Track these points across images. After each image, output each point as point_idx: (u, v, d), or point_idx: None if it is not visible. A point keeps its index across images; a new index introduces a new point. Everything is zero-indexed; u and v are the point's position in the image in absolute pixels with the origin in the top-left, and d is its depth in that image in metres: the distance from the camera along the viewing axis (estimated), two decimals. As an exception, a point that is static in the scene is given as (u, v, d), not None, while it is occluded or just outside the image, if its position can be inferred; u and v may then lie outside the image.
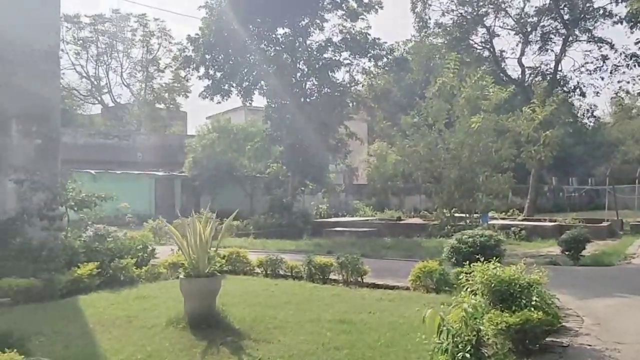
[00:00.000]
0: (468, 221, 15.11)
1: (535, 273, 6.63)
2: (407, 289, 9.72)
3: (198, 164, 27.33)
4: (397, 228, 22.13)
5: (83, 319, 7.31)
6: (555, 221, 23.13)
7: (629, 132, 57.85)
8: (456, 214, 15.64)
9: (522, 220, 24.36)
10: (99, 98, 46.29)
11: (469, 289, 6.49)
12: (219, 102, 23.23)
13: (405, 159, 14.22)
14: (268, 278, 11.09)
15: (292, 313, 7.62)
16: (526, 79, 33.54)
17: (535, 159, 14.40)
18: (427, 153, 13.92)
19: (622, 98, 34.73)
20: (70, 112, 46.46)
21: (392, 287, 10.05)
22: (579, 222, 22.34)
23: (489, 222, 21.73)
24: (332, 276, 10.69)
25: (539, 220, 24.37)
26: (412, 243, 17.42)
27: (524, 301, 6.08)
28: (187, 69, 23.28)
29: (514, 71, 34.17)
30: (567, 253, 13.40)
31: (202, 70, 22.39)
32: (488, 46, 33.77)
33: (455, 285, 8.34)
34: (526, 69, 33.47)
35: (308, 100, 22.91)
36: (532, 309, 5.95)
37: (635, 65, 31.07)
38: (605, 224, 21.73)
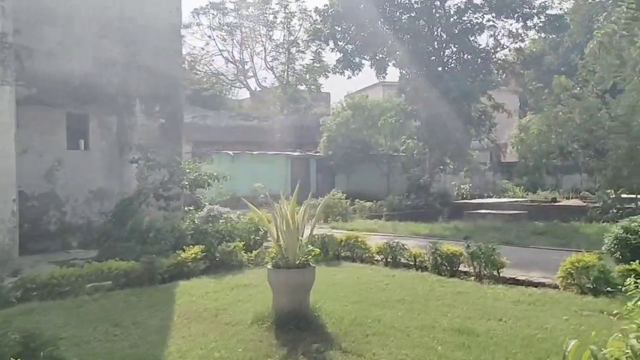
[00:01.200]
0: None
1: None
2: (556, 287, 7.86)
3: (332, 143, 26.66)
4: (552, 211, 19.53)
5: (170, 309, 6.69)
6: None
7: None
8: (624, 195, 12.89)
9: None
10: (245, 82, 47.91)
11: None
12: (350, 77, 22.17)
13: (557, 129, 11.84)
14: (387, 267, 9.81)
15: (402, 315, 6.29)
16: None
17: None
18: (585, 121, 11.45)
19: None
20: (220, 97, 48.89)
21: (537, 285, 8.23)
22: None
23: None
24: (463, 268, 9.12)
25: None
26: (568, 228, 14.94)
27: None
28: (318, 43, 22.46)
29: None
30: None
31: (331, 43, 21.38)
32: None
33: (620, 287, 6.36)
34: None
35: (446, 69, 20.84)
36: None
37: None
38: None
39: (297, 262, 6.05)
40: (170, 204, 10.72)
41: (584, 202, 19.80)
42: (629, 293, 5.00)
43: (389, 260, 10.08)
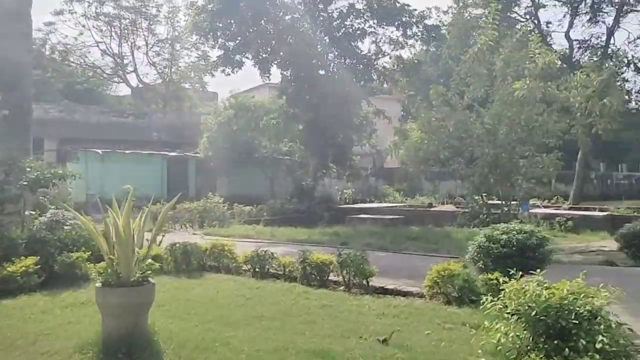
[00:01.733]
0: (505, 209, 12.78)
1: (599, 291, 4.50)
2: (423, 296, 7.63)
3: (213, 144, 25.53)
4: (428, 216, 20.08)
5: (-24, 337, 5.51)
6: (606, 210, 20.42)
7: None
8: (491, 201, 13.34)
9: (569, 209, 21.71)
10: (124, 77, 45.03)
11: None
12: (229, 74, 21.27)
13: (431, 136, 11.92)
14: (255, 278, 9.13)
15: (256, 335, 5.62)
16: (574, 55, 30.43)
17: (588, 134, 11.88)
18: (457, 129, 11.62)
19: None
20: (97, 92, 45.56)
21: (405, 294, 7.98)
22: (634, 212, 19.69)
23: (530, 211, 19.34)
24: (333, 277, 8.67)
25: (588, 209, 21.64)
26: (441, 233, 15.24)
27: (583, 341, 3.92)
28: (197, 38, 21.35)
29: (560, 46, 31.04)
30: (626, 251, 10.98)
31: (211, 39, 20.37)
32: (532, 18, 30.74)
33: (484, 296, 6.20)
34: (574, 43, 30.31)
35: (328, 72, 20.65)
36: (597, 355, 3.82)
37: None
38: (666, 214, 18.91)
39: (132, 279, 5.16)
40: (5, 207, 9.23)
41: (457, 207, 20.55)
42: (486, 312, 4.74)
43: (257, 270, 9.41)
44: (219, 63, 21.00)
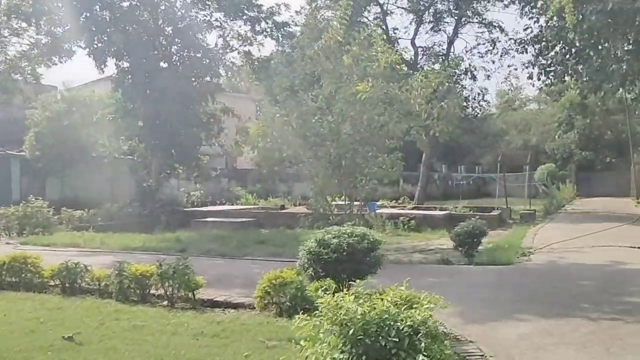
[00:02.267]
0: (355, 210, 12.58)
1: (425, 301, 4.07)
2: (254, 308, 6.92)
3: (42, 141, 22.65)
4: (280, 218, 19.68)
5: None
6: (445, 210, 21.57)
7: (512, 123, 59.80)
8: (337, 202, 13.10)
9: (412, 208, 22.61)
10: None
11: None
12: (55, 64, 18.97)
13: (273, 132, 11.32)
14: (63, 295, 7.77)
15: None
16: (419, 61, 32.15)
17: (427, 136, 12.10)
18: (301, 126, 11.14)
19: (512, 83, 34.44)
20: None
21: (236, 306, 7.22)
22: (470, 210, 20.99)
23: (377, 211, 19.74)
24: (156, 290, 7.61)
25: (430, 209, 22.74)
26: (290, 236, 14.78)
27: (405, 361, 3.42)
28: (17, 23, 18.74)
29: (405, 51, 32.53)
30: (460, 249, 11.30)
31: (34, 25, 17.94)
32: (381, 24, 31.86)
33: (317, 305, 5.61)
34: (419, 50, 32.01)
35: (170, 65, 19.25)
36: (419, 377, 3.32)
37: (524, 52, 30.51)
38: (495, 212, 20.42)
39: None
40: None
41: (309, 209, 20.31)
42: (298, 333, 4.11)
43: (66, 285, 8.03)
44: (45, 51, 18.58)
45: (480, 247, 12.92)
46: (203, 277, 7.39)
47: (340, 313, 3.49)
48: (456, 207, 21.91)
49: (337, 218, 11.82)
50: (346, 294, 3.75)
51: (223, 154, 28.27)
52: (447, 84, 13.14)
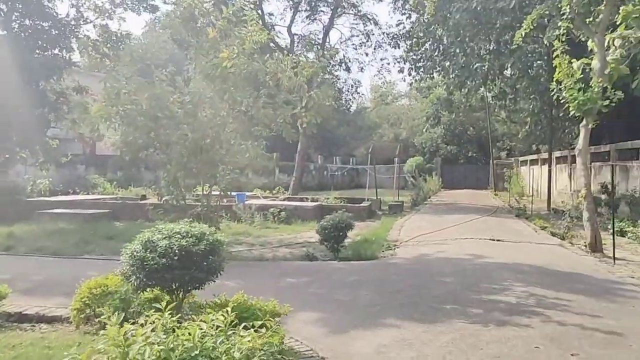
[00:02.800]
0: (216, 201, 11.47)
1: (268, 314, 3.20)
2: (71, 322, 5.68)
3: None
4: (139, 209, 17.82)
5: None
6: (317, 201, 21.19)
7: (385, 116, 61.90)
8: (195, 193, 11.94)
9: (285, 199, 21.96)
10: None
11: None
12: None
13: (119, 111, 9.82)
14: None
15: None
16: (295, 49, 31.57)
17: (295, 126, 11.33)
18: (151, 106, 9.78)
19: (384, 77, 35.19)
20: None
21: (50, 320, 5.91)
22: (341, 202, 20.80)
23: (246, 202, 18.77)
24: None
25: (302, 199, 22.24)
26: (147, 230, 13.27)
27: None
28: None
29: (281, 39, 31.85)
30: (326, 244, 10.72)
31: None
32: (257, 9, 30.80)
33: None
34: (295, 37, 31.42)
35: (10, 34, 16.62)
36: None
37: (396, 47, 31.17)
38: (365, 204, 20.40)
39: None
40: None
41: (160, 199, 18.83)
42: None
43: None
44: None
45: (348, 240, 12.57)
46: (18, 283, 5.98)
47: (128, 351, 2.50)
48: (327, 198, 21.62)
49: (195, 210, 10.71)
50: (142, 325, 2.76)
51: (78, 139, 25.56)
52: (321, 74, 12.50)
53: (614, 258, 10.30)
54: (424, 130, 51.50)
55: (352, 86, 32.79)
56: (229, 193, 11.76)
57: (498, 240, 12.91)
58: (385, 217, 19.55)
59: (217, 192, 11.02)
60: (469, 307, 6.40)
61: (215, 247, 4.89)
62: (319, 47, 28.68)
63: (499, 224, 17.13)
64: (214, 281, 4.96)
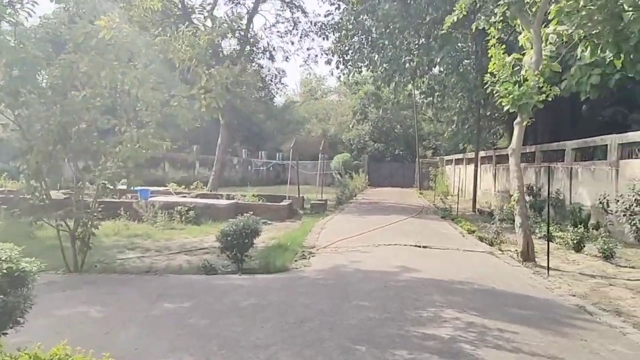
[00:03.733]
0: (77, 200, 9.37)
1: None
2: None
3: None
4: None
5: None
6: (233, 198, 19.36)
7: (313, 112, 60.81)
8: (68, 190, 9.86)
9: (197, 196, 19.97)
10: None
11: None
12: None
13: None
14: None
15: None
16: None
17: (196, 110, 9.48)
18: (9, 76, 7.70)
19: (312, 68, 33.81)
20: None
21: None
22: (260, 199, 19.14)
23: (150, 199, 16.66)
24: None
25: (217, 196, 20.32)
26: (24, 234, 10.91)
27: None
28: None
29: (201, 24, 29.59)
30: (227, 253, 9.01)
31: None
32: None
33: None
34: (217, 22, 29.23)
35: None
36: None
37: (325, 37, 29.80)
38: (286, 202, 18.78)
39: None
40: None
41: (65, 194, 16.42)
42: None
43: None
44: None
45: (261, 245, 10.96)
46: None
47: None
48: (244, 196, 19.86)
49: (63, 210, 8.70)
50: None
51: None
52: (229, 35, 10.69)
53: (548, 268, 9.32)
54: (351, 126, 50.69)
55: (275, 76, 31.04)
56: (128, 188, 9.80)
57: (424, 247, 11.69)
58: (307, 217, 18.02)
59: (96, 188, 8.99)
60: (390, 347, 4.93)
61: (18, 282, 3.11)
62: (242, 33, 26.72)
63: (425, 226, 16.06)
64: (7, 333, 3.18)
